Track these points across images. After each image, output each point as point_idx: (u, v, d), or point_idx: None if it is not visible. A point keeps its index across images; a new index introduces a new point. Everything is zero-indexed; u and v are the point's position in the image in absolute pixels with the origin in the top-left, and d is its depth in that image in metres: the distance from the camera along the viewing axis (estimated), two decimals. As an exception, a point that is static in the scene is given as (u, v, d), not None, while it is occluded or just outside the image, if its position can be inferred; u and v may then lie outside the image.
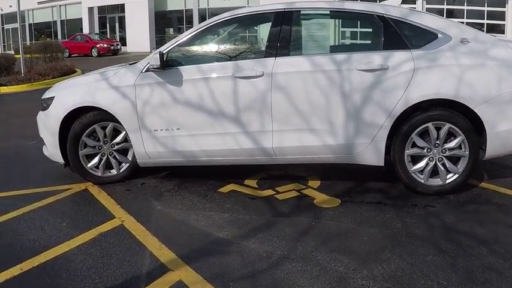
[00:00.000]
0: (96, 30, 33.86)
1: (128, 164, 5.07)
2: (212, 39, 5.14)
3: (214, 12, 29.63)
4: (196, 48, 4.94)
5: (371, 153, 4.41)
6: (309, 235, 3.81)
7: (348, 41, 4.61)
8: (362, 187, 4.80)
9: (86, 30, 33.90)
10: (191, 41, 4.83)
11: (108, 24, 34.98)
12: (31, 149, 6.78)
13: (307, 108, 4.41)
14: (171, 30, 33.03)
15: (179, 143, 4.70)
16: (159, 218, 4.23)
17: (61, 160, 5.05)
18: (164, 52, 4.61)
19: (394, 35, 4.37)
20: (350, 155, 4.49)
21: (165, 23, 33.02)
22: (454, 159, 4.37)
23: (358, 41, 4.96)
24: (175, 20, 33.38)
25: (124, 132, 4.91)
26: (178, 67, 4.66)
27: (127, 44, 32.12)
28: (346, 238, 3.72)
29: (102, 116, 4.84)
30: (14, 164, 6.06)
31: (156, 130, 4.71)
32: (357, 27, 5.37)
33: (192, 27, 5.66)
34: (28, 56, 17.29)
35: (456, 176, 4.37)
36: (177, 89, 4.61)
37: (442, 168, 4.35)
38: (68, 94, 4.97)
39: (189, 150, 4.72)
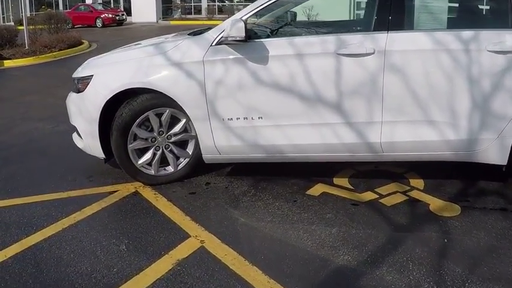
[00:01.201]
0: (99, 0, 32.31)
1: (187, 160, 4.03)
2: (304, 5, 4.06)
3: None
4: (283, 17, 3.87)
5: (496, 150, 3.57)
6: (449, 258, 2.92)
7: (464, 15, 3.66)
8: (474, 188, 3.92)
9: None
10: (276, 7, 3.80)
11: (111, -7, 33.42)
12: (53, 135, 5.74)
13: (426, 95, 3.49)
14: (178, -1, 31.55)
15: (261, 135, 3.68)
16: (249, 236, 3.21)
17: (101, 154, 4.01)
18: (245, 20, 3.54)
19: None
20: (471, 152, 3.62)
21: (171, -9, 31.49)
22: None
23: (478, 16, 3.84)
24: (182, -12, 31.83)
25: (184, 121, 3.86)
26: (262, 40, 3.61)
27: (132, 14, 30.65)
28: (493, 260, 2.88)
29: (158, 100, 3.78)
30: (35, 155, 5.02)
31: (231, 119, 3.67)
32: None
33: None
34: (32, 27, 16.06)
35: None
36: (262, 67, 3.56)
37: None
38: (112, 72, 3.90)
39: (273, 145, 3.69)
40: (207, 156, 3.88)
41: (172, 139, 3.94)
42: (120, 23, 28.30)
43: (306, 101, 3.56)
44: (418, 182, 4.01)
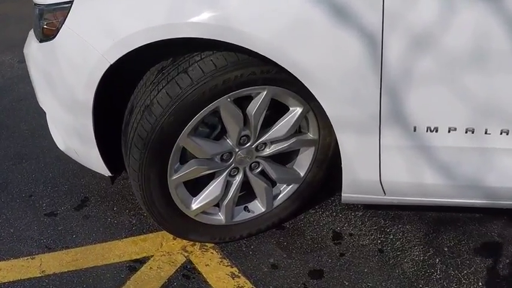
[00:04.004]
0: None
1: (293, 187, 1.77)
2: None
3: None
4: None
5: None
6: None
7: None
8: None
9: None
10: None
11: None
12: (22, 81, 3.27)
13: None
14: None
15: (498, 165, 1.41)
16: None
17: (103, 170, 1.73)
18: None
19: None
20: None
21: None
22: None
23: None
24: None
25: (299, 112, 1.54)
26: None
27: None
28: None
29: (244, 69, 1.40)
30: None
31: (435, 130, 1.38)
32: None
33: None
34: None
35: None
36: None
37: None
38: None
39: None
40: (352, 196, 1.62)
41: (269, 150, 1.64)
42: None
43: None
44: None
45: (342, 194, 1.62)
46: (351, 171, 1.52)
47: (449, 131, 1.39)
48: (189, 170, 1.54)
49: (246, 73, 1.40)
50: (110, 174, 1.77)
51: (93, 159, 1.73)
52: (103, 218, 1.95)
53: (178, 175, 1.53)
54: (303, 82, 1.35)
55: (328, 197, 1.99)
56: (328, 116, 1.40)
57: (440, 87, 1.33)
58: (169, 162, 1.49)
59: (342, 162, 1.51)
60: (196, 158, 1.55)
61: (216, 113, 1.49)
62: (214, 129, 1.57)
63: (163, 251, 1.78)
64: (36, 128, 2.62)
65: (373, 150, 1.45)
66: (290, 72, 1.36)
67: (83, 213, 1.99)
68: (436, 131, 1.39)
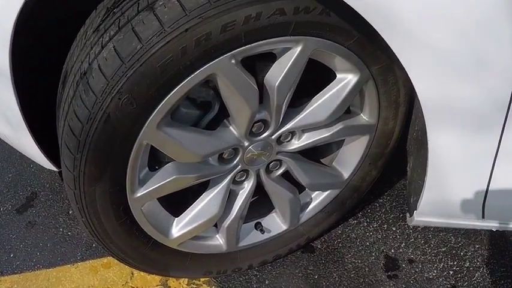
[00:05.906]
0: None
1: (330, 196, 1.10)
2: None
3: None
4: None
5: None
6: None
7: None
8: None
9: None
10: None
11: None
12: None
13: None
14: None
15: None
16: None
17: (43, 162, 1.05)
18: None
19: None
20: None
21: None
22: None
23: None
24: None
25: (353, 81, 0.88)
26: None
27: None
28: None
29: (261, 3, 0.70)
30: None
31: None
32: None
33: None
34: None
35: None
36: None
37: None
38: None
39: None
40: (428, 221, 0.96)
41: (298, 143, 0.97)
42: None
43: None
44: None
45: (415, 217, 0.97)
46: (438, 187, 0.87)
47: None
48: (165, 182, 0.87)
49: (267, 12, 0.71)
50: (56, 169, 1.12)
51: (29, 149, 1.08)
52: (53, 226, 1.32)
53: (145, 191, 0.87)
54: (378, 31, 0.66)
55: (374, 200, 1.35)
56: (419, 96, 0.73)
57: None
58: (128, 171, 0.82)
59: (428, 173, 0.85)
60: (185, 167, 0.88)
61: (209, 83, 0.82)
62: (207, 111, 0.89)
63: (135, 285, 1.15)
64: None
65: (485, 158, 0.79)
66: (344, 13, 0.68)
67: (27, 218, 1.35)
68: None
